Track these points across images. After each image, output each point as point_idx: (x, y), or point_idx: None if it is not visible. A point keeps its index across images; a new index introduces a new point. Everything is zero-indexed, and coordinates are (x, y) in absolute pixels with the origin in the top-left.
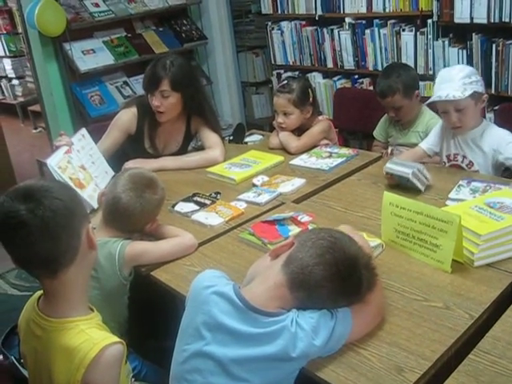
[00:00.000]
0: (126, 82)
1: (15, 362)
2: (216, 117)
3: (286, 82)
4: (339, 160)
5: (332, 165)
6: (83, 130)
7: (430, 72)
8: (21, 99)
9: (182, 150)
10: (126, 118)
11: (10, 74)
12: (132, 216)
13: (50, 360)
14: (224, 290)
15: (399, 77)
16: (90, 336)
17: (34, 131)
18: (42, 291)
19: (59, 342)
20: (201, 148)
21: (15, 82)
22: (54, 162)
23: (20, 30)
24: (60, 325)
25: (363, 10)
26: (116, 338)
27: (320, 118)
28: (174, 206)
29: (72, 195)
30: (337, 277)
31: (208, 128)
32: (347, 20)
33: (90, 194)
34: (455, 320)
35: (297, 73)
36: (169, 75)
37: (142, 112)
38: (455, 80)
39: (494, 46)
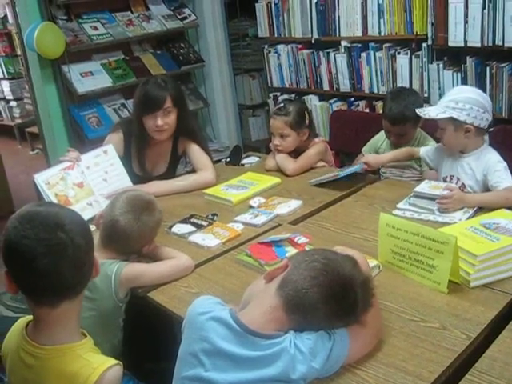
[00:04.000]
0: (123, 104)
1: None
2: (204, 137)
3: (282, 104)
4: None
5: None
6: (109, 146)
7: (425, 95)
8: (18, 121)
9: (171, 171)
10: (114, 143)
11: (8, 95)
12: (130, 238)
13: None
14: (221, 315)
15: (413, 105)
16: (88, 361)
17: (32, 153)
18: (26, 318)
19: (56, 369)
20: (192, 172)
21: (13, 103)
22: (42, 177)
23: (19, 52)
24: (55, 352)
25: (359, 33)
26: (113, 360)
27: (316, 140)
28: (171, 228)
29: (88, 226)
30: (332, 298)
31: (197, 149)
32: (343, 43)
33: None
34: (452, 340)
35: (293, 95)
36: (169, 92)
37: (128, 135)
38: (444, 99)
39: (487, 68)
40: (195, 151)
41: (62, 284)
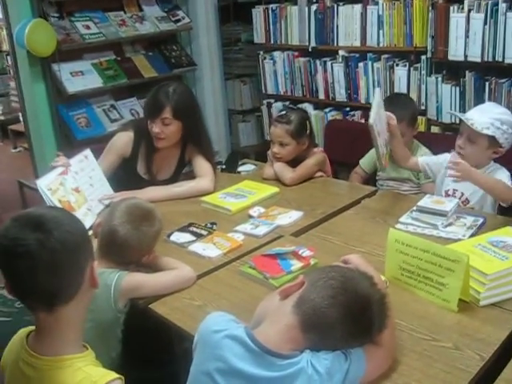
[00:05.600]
0: (113, 106)
1: None
2: (211, 146)
3: (284, 112)
4: None
5: None
6: (87, 151)
7: (422, 107)
8: (1, 117)
9: (175, 177)
10: (122, 141)
11: None
12: (129, 249)
13: None
14: (237, 333)
15: (405, 107)
16: (88, 373)
17: (14, 151)
18: (26, 328)
19: (54, 382)
20: (191, 174)
21: None
22: (44, 183)
23: (4, 47)
24: (55, 363)
25: (357, 43)
26: (114, 374)
27: (315, 150)
28: (169, 236)
29: (82, 230)
30: (349, 318)
31: (202, 157)
32: (340, 53)
33: (81, 218)
34: (466, 361)
35: (287, 103)
36: (171, 103)
37: (138, 136)
38: (488, 114)
39: (486, 84)
40: (199, 159)
41: (40, 288)
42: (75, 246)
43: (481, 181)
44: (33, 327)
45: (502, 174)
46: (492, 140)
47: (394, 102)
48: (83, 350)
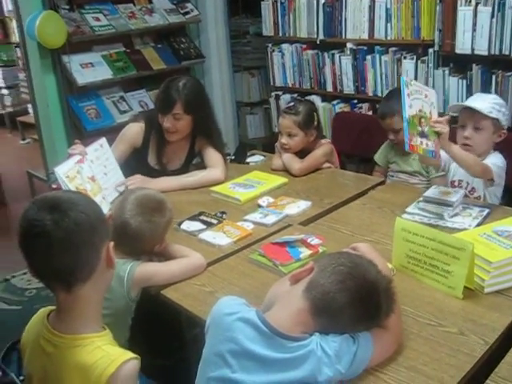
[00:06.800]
0: (122, 97)
1: (15, 378)
2: (221, 137)
3: (292, 103)
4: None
5: None
6: (102, 140)
7: None
8: (9, 109)
9: (184, 168)
10: (134, 132)
11: (0, 83)
12: (141, 240)
13: (63, 378)
14: (249, 316)
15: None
16: (107, 352)
17: (22, 142)
18: (47, 308)
19: (74, 359)
20: (201, 165)
21: (4, 91)
22: (62, 170)
23: (13, 39)
24: (75, 341)
25: (365, 36)
26: (132, 354)
27: (323, 141)
28: (179, 224)
29: (97, 211)
30: (358, 302)
31: (212, 148)
32: (348, 45)
33: None
34: (471, 346)
35: (295, 95)
36: (182, 98)
37: (149, 127)
38: (487, 100)
39: (493, 77)
40: (209, 150)
41: (57, 267)
42: (90, 226)
43: (459, 151)
44: (53, 307)
45: (495, 156)
46: (496, 123)
47: (390, 95)
48: (102, 329)
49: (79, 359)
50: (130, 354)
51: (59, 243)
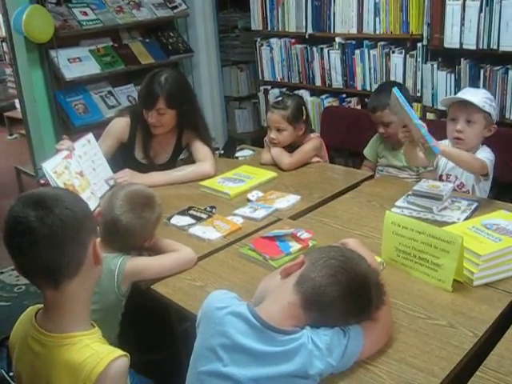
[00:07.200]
0: (110, 92)
1: (4, 374)
2: (208, 130)
3: (280, 98)
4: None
5: None
6: (89, 135)
7: (418, 94)
8: None
9: (172, 161)
10: (119, 126)
11: None
12: (132, 236)
13: (52, 377)
14: (240, 309)
15: (391, 93)
16: (96, 350)
17: (10, 137)
18: (35, 306)
19: (62, 358)
20: (189, 160)
21: None
22: (50, 166)
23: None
24: (63, 340)
25: (353, 30)
26: (121, 352)
27: (312, 135)
28: (169, 219)
29: (83, 208)
30: (348, 296)
31: (199, 141)
32: (337, 40)
33: None
34: (460, 338)
35: (284, 89)
36: (164, 93)
37: (134, 121)
38: (479, 95)
39: (481, 71)
40: (197, 143)
41: (43, 264)
42: (76, 222)
43: (454, 150)
44: (40, 305)
45: (484, 150)
46: (488, 117)
47: (380, 89)
48: (90, 327)
49: (68, 358)
50: (118, 352)
51: (44, 240)
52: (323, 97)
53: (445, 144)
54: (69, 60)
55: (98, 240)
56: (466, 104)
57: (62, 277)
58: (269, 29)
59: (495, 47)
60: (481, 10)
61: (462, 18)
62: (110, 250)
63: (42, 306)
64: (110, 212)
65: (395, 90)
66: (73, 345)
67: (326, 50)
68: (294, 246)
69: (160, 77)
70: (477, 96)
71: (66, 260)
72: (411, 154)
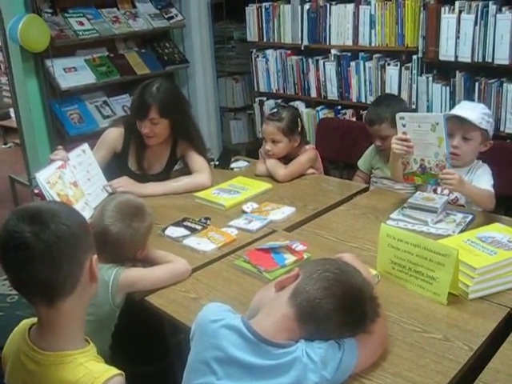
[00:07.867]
0: (105, 102)
1: None
2: (203, 140)
3: (276, 110)
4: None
5: None
6: (85, 146)
7: (413, 106)
8: None
9: (165, 172)
10: (113, 136)
11: None
12: (122, 246)
13: None
14: (234, 322)
15: (389, 106)
16: (90, 369)
17: (4, 147)
18: (29, 320)
19: (56, 377)
20: (184, 171)
21: None
22: (43, 176)
23: None
24: (57, 359)
25: (349, 42)
26: (115, 370)
27: (307, 147)
28: (164, 230)
29: (81, 223)
30: (343, 309)
31: (195, 152)
32: (333, 51)
33: None
34: (455, 352)
35: (279, 101)
36: (157, 103)
37: (128, 132)
38: (477, 110)
39: (476, 84)
40: (192, 154)
41: (37, 281)
42: (72, 239)
43: (473, 191)
44: (34, 319)
45: (485, 171)
46: (484, 134)
47: (378, 102)
48: (85, 344)
49: (61, 377)
50: (113, 371)
51: (39, 256)
52: (318, 108)
53: (458, 176)
54: (64, 69)
55: (95, 257)
56: (462, 121)
57: (56, 294)
58: (264, 40)
59: (490, 60)
60: (476, 24)
61: (457, 31)
62: (103, 260)
63: (36, 320)
64: (100, 222)
65: (443, 118)
66: (67, 364)
67: (321, 62)
68: (289, 259)
69: (152, 87)
70: (474, 112)
71: (62, 277)
72: (397, 165)
